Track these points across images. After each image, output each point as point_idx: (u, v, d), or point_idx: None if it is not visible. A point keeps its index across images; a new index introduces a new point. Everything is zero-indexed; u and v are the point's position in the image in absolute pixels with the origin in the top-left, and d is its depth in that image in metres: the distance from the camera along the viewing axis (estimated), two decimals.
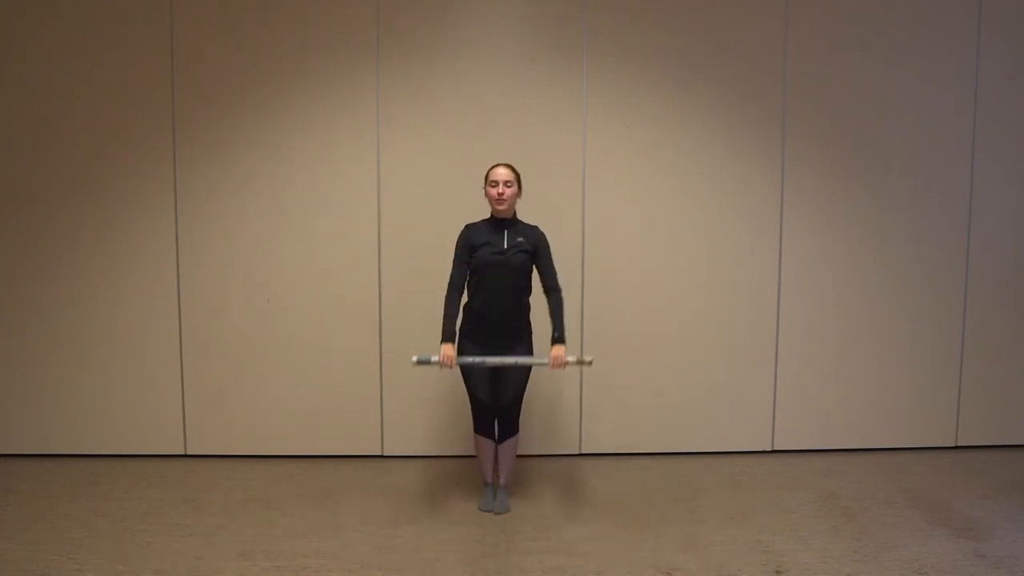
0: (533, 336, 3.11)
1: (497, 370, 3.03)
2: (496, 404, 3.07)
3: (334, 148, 3.66)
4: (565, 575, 2.60)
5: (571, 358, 2.90)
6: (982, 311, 3.87)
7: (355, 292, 3.70)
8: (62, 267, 3.67)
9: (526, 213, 3.13)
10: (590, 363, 2.93)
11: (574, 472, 3.60)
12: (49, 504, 3.16)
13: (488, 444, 3.14)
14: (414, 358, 2.89)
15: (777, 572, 2.62)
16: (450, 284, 3.01)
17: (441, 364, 2.88)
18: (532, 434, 3.75)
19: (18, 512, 3.08)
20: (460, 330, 3.02)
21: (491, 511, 3.10)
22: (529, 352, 3.06)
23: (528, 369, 3.06)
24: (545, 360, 2.92)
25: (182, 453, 3.76)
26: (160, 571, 2.60)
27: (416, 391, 3.73)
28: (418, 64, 3.64)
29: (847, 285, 3.82)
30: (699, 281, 3.78)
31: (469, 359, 2.93)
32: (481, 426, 3.13)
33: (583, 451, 3.84)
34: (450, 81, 3.65)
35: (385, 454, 3.79)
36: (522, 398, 3.09)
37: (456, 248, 3.04)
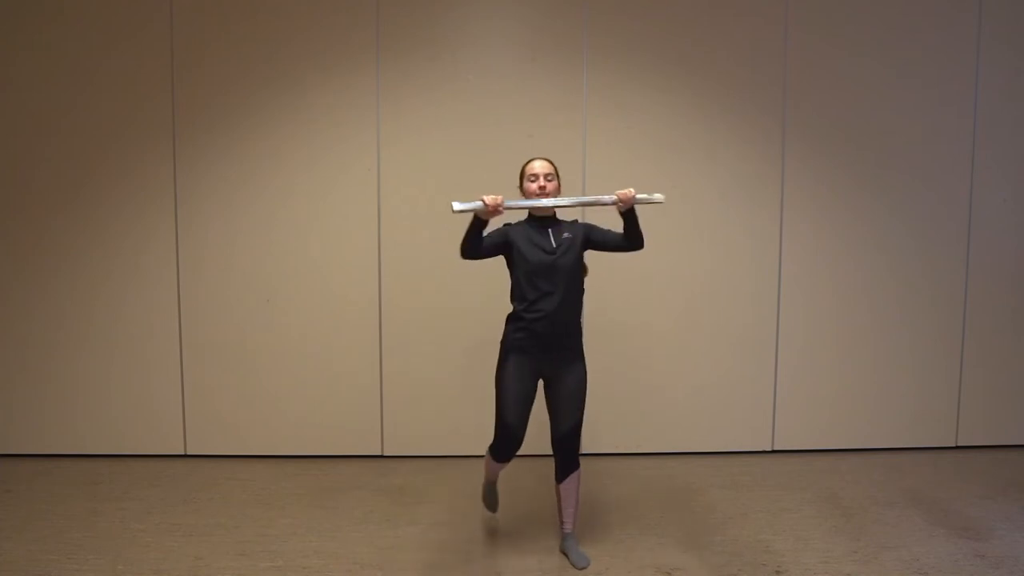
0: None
1: (554, 395, 2.70)
2: (555, 435, 2.70)
3: (334, 148, 3.66)
4: (565, 575, 2.60)
5: (641, 195, 2.59)
6: (982, 311, 3.86)
7: (355, 292, 3.70)
8: (62, 267, 3.67)
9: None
10: (661, 200, 2.62)
11: None
12: (49, 504, 3.16)
13: (501, 467, 2.85)
14: (456, 205, 2.46)
15: (777, 572, 2.62)
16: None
17: (487, 211, 2.45)
18: (531, 434, 3.74)
19: (18, 512, 3.08)
20: (506, 342, 2.69)
21: (494, 511, 3.00)
22: (584, 369, 2.74)
23: (585, 385, 2.73)
24: (612, 197, 2.59)
25: (182, 453, 3.76)
26: (160, 571, 2.60)
27: (416, 391, 3.73)
28: (418, 64, 3.64)
29: (847, 285, 3.82)
30: (699, 281, 3.78)
31: (515, 202, 2.57)
32: (502, 455, 2.73)
33: (583, 451, 3.80)
34: (450, 81, 3.65)
35: (385, 454, 3.78)
36: (582, 424, 2.71)
37: (492, 232, 2.63)
